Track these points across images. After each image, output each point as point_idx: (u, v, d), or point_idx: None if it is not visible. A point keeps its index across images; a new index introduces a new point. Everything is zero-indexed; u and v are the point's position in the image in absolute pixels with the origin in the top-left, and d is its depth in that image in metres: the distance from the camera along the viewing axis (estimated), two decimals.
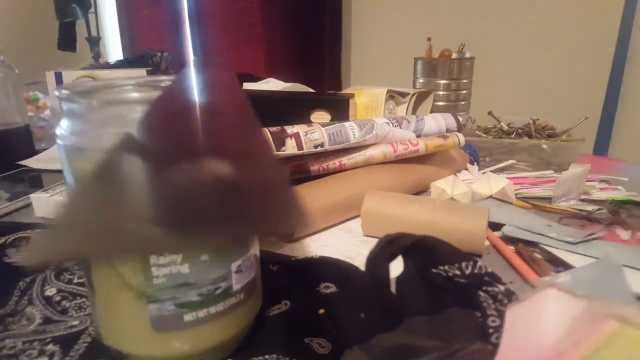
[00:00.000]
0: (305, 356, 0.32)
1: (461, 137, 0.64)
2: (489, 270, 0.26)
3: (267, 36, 2.22)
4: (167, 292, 0.28)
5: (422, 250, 0.27)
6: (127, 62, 1.44)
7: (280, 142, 0.68)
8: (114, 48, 2.54)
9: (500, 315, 0.24)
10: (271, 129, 0.70)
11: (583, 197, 0.62)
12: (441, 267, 0.27)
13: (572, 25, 1.21)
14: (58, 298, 0.38)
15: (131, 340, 0.29)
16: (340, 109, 0.84)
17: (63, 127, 0.28)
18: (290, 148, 0.56)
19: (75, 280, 0.40)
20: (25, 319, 0.36)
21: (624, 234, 0.52)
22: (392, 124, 0.70)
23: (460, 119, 0.75)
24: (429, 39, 0.99)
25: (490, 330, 0.24)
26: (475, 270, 0.26)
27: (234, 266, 0.30)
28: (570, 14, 1.21)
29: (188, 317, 0.29)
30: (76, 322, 0.35)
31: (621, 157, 0.87)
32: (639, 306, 0.28)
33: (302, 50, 2.14)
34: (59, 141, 0.28)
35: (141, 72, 1.07)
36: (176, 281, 0.28)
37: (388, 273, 0.28)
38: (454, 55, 0.96)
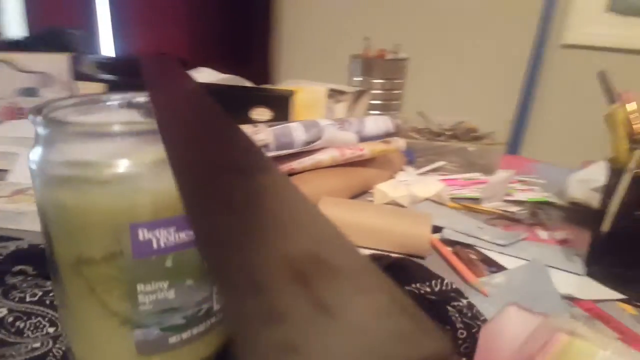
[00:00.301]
0: None
1: (402, 142, 0.68)
2: (454, 286, 0.30)
3: (192, 16, 2.14)
4: (153, 317, 0.28)
5: (397, 270, 0.29)
6: (35, 41, 1.34)
7: None
8: (14, 20, 2.31)
9: (467, 328, 0.27)
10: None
11: (506, 198, 0.69)
12: (414, 285, 0.29)
13: (493, 32, 1.31)
14: (11, 319, 0.36)
15: None
16: (281, 107, 0.85)
17: (40, 154, 0.27)
18: None
19: (28, 299, 0.38)
20: None
21: (544, 234, 0.58)
22: (336, 126, 0.72)
23: (397, 122, 0.79)
24: (366, 38, 1.02)
25: (460, 342, 0.27)
26: (443, 287, 0.29)
27: (212, 286, 0.31)
28: (491, 22, 1.31)
29: (172, 340, 0.29)
30: (37, 345, 0.34)
31: (531, 156, 0.96)
32: (583, 321, 0.33)
33: (229, 33, 2.09)
34: (33, 168, 0.27)
35: (61, 57, 1.00)
36: (162, 307, 0.28)
37: None
38: (389, 56, 1.00)
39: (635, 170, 0.43)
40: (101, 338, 0.29)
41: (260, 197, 0.14)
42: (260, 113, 0.84)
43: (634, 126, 0.45)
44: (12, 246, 0.43)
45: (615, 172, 0.46)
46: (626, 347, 0.23)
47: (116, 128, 0.26)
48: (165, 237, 0.27)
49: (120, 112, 0.33)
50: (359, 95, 0.97)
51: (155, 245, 0.27)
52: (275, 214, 0.13)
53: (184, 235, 0.28)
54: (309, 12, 1.81)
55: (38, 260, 0.42)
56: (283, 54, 1.97)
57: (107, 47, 2.07)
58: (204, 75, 1.07)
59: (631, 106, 0.45)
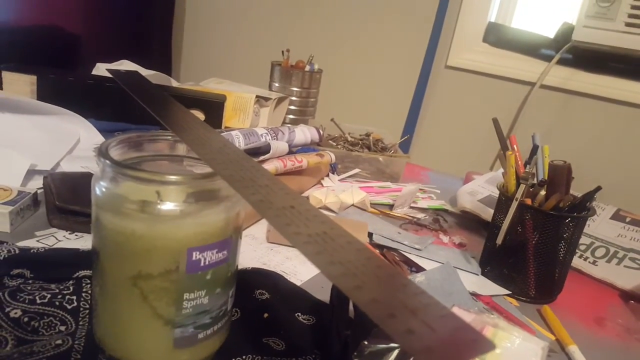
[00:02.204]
0: (270, 353, 0.42)
1: (333, 156, 0.79)
2: None
3: None
4: (191, 318, 0.35)
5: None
6: None
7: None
8: None
9: None
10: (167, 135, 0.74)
11: (412, 205, 0.83)
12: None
13: (389, 52, 1.47)
14: (26, 319, 0.40)
15: (150, 356, 0.36)
16: (215, 110, 0.91)
17: (108, 187, 0.33)
18: None
19: (39, 301, 0.42)
20: None
21: (445, 238, 0.73)
22: (271, 135, 0.80)
23: (321, 132, 0.89)
24: (287, 50, 1.10)
25: None
26: None
27: (230, 292, 0.39)
28: (388, 44, 1.47)
29: (201, 335, 0.36)
30: (59, 341, 0.39)
31: (417, 162, 1.13)
32: (502, 316, 0.46)
33: (128, 12, 1.98)
34: (100, 197, 0.33)
35: None
36: (198, 310, 0.35)
37: None
38: (307, 68, 1.09)
39: (519, 199, 0.58)
40: (145, 336, 0.35)
41: None
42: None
43: (520, 169, 0.60)
44: (3, 250, 0.46)
45: (505, 198, 0.61)
46: (529, 335, 0.35)
47: (175, 178, 0.32)
48: (209, 257, 0.34)
49: (176, 146, 0.39)
50: (279, 101, 1.06)
51: (202, 263, 0.34)
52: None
53: (221, 255, 0.35)
54: (218, 7, 1.81)
55: (32, 264, 0.45)
56: (187, 45, 1.95)
57: None
58: (126, 68, 1.07)
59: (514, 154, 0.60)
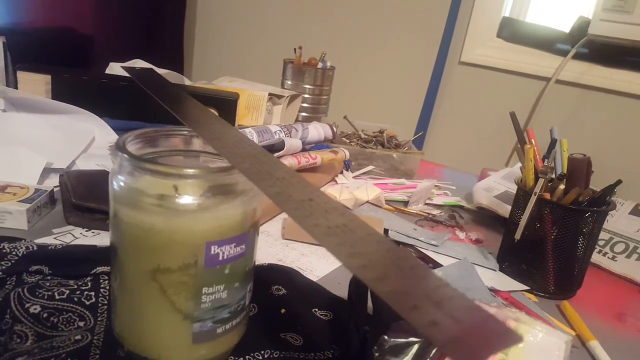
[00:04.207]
0: (288, 348, 0.42)
1: (347, 152, 0.78)
2: None
3: None
4: (209, 313, 0.35)
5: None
6: None
7: None
8: None
9: None
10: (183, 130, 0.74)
11: (427, 201, 0.82)
12: None
13: (403, 48, 1.46)
14: (45, 315, 0.40)
15: (169, 351, 0.36)
16: (228, 109, 0.91)
17: (126, 181, 0.33)
18: None
19: (57, 297, 0.42)
20: (17, 337, 0.38)
21: (461, 234, 0.72)
22: (284, 132, 0.80)
23: (334, 129, 0.89)
24: (299, 47, 1.10)
25: None
26: None
27: (248, 287, 0.39)
28: (402, 40, 1.46)
29: (219, 330, 0.36)
30: (78, 337, 0.39)
31: (430, 158, 1.12)
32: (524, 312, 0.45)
33: (140, 14, 1.99)
34: (118, 191, 0.33)
35: None
36: (217, 304, 0.35)
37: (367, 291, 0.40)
38: (319, 65, 1.09)
39: (538, 194, 0.57)
40: (164, 331, 0.35)
41: None
42: None
43: (539, 163, 0.59)
44: (21, 247, 0.46)
45: (524, 193, 0.60)
46: (552, 329, 0.35)
47: (193, 171, 0.32)
48: (228, 251, 0.34)
49: (192, 141, 0.39)
50: (292, 98, 1.06)
51: (220, 257, 0.34)
52: None
53: (239, 249, 0.35)
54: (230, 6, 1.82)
55: (51, 261, 0.45)
56: (199, 44, 1.95)
57: (1, 13, 1.89)
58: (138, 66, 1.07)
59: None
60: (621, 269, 0.71)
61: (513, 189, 0.85)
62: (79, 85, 0.87)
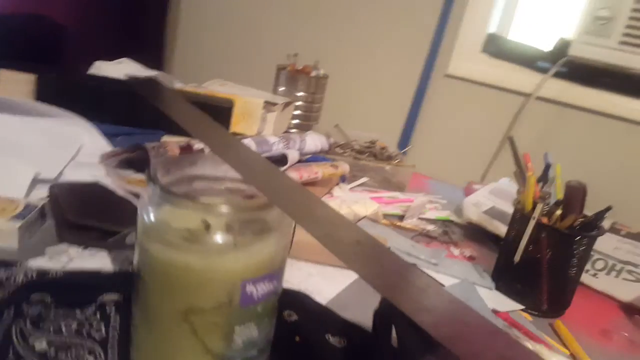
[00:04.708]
0: None
1: (347, 167, 0.78)
2: None
3: None
4: (240, 352, 0.34)
5: None
6: None
7: None
8: None
9: None
10: (180, 143, 0.72)
11: (420, 216, 0.83)
12: None
13: (390, 59, 1.47)
14: (53, 352, 0.38)
15: None
16: (222, 115, 0.89)
17: (160, 216, 0.31)
18: None
19: (65, 331, 0.40)
20: None
21: (455, 251, 0.73)
22: (283, 143, 0.79)
23: (330, 141, 0.88)
24: (295, 55, 1.08)
25: None
26: None
27: (273, 321, 0.38)
28: (389, 52, 1.47)
29: None
30: None
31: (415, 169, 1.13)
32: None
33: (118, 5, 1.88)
34: (149, 225, 0.31)
35: None
36: (248, 343, 0.34)
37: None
38: (313, 73, 1.08)
39: (536, 218, 0.58)
40: None
41: None
42: None
43: (538, 190, 0.61)
44: (19, 274, 0.43)
45: (521, 215, 0.61)
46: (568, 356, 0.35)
47: (234, 208, 0.31)
48: (262, 288, 0.33)
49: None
50: (285, 106, 1.04)
51: (255, 296, 0.33)
52: None
53: (271, 286, 0.34)
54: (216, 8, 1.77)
55: (52, 288, 0.43)
56: (183, 41, 1.89)
57: None
58: (127, 67, 1.03)
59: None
60: (602, 286, 0.73)
61: (500, 204, 0.87)
62: (67, 87, 0.83)
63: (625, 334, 0.63)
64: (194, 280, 0.31)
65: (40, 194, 0.62)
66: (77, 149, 0.73)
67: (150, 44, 1.84)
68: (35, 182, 0.64)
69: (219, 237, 0.31)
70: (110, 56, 1.07)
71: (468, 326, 0.24)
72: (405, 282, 0.26)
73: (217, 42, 1.78)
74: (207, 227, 0.31)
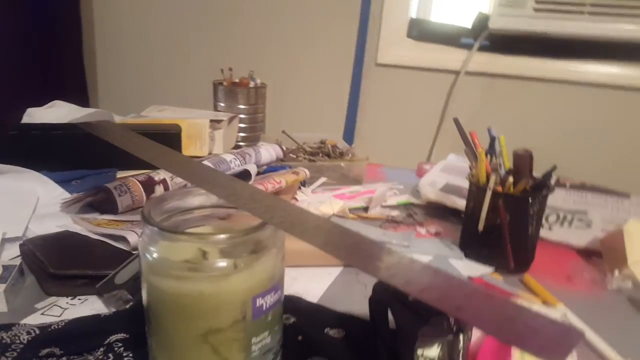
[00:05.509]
0: None
1: (307, 172, 0.81)
2: None
3: None
4: (259, 359, 0.37)
5: None
6: None
7: (150, 189, 0.72)
8: None
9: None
10: (139, 177, 0.73)
11: (383, 204, 0.87)
12: None
13: (321, 53, 1.51)
14: None
15: None
16: (172, 142, 0.90)
17: (162, 253, 0.33)
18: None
19: None
20: None
21: (422, 230, 0.78)
22: (239, 160, 0.81)
23: (283, 148, 0.91)
24: (230, 69, 1.10)
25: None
26: None
27: (281, 326, 0.40)
28: (318, 45, 1.51)
29: None
30: None
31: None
32: None
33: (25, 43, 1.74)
34: (151, 262, 0.33)
35: None
36: (264, 350, 0.37)
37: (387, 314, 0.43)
38: (251, 84, 1.10)
39: (492, 188, 0.64)
40: None
41: None
42: None
43: (488, 163, 0.67)
44: (22, 333, 0.44)
45: (477, 188, 0.67)
46: (546, 307, 0.40)
47: (235, 235, 0.34)
48: (269, 300, 0.36)
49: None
50: (230, 120, 1.06)
51: (264, 307, 0.35)
52: None
53: (276, 296, 0.37)
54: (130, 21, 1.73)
55: (59, 341, 0.44)
56: (104, 73, 1.84)
57: None
58: (61, 109, 1.01)
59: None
60: (557, 236, 0.80)
61: (453, 180, 0.93)
62: (8, 141, 0.81)
63: (587, 275, 0.70)
64: (210, 305, 0.33)
65: (11, 254, 0.62)
66: (35, 202, 0.72)
67: (71, 82, 1.76)
68: (4, 242, 0.63)
69: (219, 262, 0.34)
70: (34, 102, 1.03)
71: (451, 288, 0.28)
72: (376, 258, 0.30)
73: (143, 67, 1.75)
74: (204, 254, 0.34)
